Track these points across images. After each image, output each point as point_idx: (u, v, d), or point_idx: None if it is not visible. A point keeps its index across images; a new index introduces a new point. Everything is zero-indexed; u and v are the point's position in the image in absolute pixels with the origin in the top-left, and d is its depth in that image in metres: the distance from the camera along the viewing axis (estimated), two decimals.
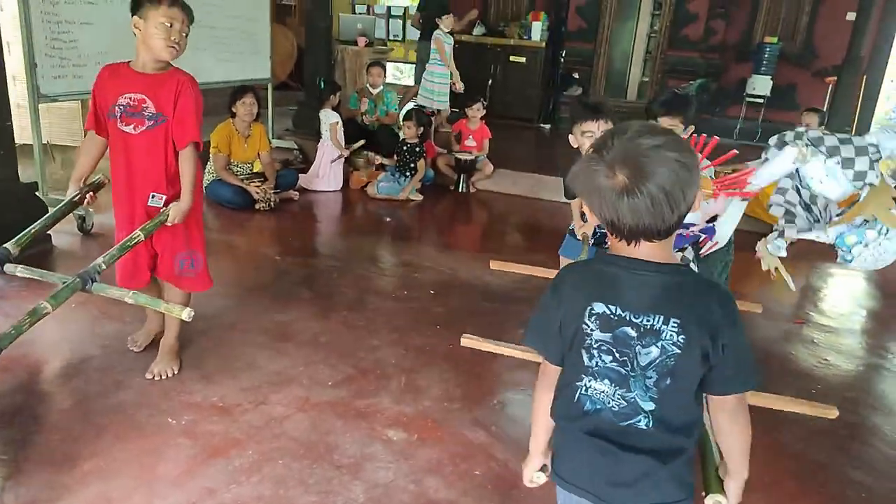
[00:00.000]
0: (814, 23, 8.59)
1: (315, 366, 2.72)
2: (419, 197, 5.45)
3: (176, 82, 2.23)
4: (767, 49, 8.26)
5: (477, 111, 5.87)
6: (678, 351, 1.08)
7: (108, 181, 2.40)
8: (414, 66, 10.67)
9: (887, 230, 1.96)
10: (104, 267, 2.05)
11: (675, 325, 1.07)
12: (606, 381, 1.14)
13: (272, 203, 4.81)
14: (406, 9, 11.38)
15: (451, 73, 6.54)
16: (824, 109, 6.32)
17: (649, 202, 1.01)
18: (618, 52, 9.08)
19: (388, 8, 11.03)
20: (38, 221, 2.23)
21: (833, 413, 2.02)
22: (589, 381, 1.16)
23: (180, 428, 2.24)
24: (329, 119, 5.51)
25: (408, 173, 5.46)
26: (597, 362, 1.14)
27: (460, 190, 5.85)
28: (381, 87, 6.25)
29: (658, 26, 8.81)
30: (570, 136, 2.69)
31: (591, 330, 1.13)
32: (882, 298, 4.30)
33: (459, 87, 6.60)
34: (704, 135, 2.23)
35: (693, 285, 1.11)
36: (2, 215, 3.17)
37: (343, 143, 5.59)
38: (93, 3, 4.09)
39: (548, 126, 8.79)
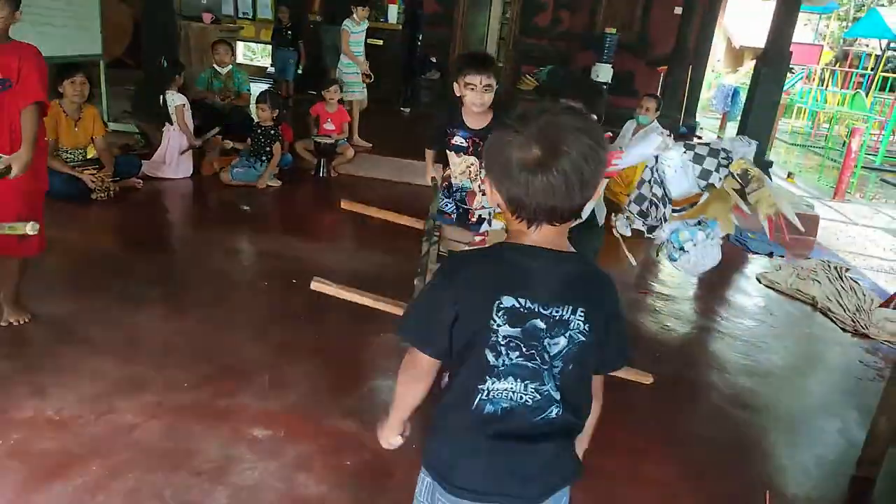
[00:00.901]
0: (647, 15, 9.32)
1: (168, 369, 2.52)
2: (277, 183, 5.23)
3: (19, 51, 2.36)
4: (608, 39, 8.82)
5: (334, 94, 5.73)
6: (584, 339, 1.08)
7: None
8: (269, 45, 10.20)
9: (713, 237, 2.18)
10: None
11: (582, 314, 1.07)
12: (511, 378, 1.08)
13: (111, 192, 4.39)
14: None
15: (357, 64, 6.31)
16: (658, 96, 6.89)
17: (562, 180, 0.99)
18: (474, 38, 9.28)
19: None
20: None
21: (648, 379, 2.10)
22: (492, 383, 1.08)
23: (7, 448, 1.99)
24: (175, 101, 5.09)
25: (263, 158, 5.21)
26: (503, 360, 1.07)
27: (321, 175, 5.70)
28: (230, 66, 5.91)
29: (510, 14, 9.11)
30: (454, 84, 2.71)
31: (499, 325, 1.05)
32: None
33: (365, 73, 6.37)
34: None
35: (591, 275, 1.13)
36: None
37: (191, 127, 5.21)
38: None
39: (408, 109, 8.79)
